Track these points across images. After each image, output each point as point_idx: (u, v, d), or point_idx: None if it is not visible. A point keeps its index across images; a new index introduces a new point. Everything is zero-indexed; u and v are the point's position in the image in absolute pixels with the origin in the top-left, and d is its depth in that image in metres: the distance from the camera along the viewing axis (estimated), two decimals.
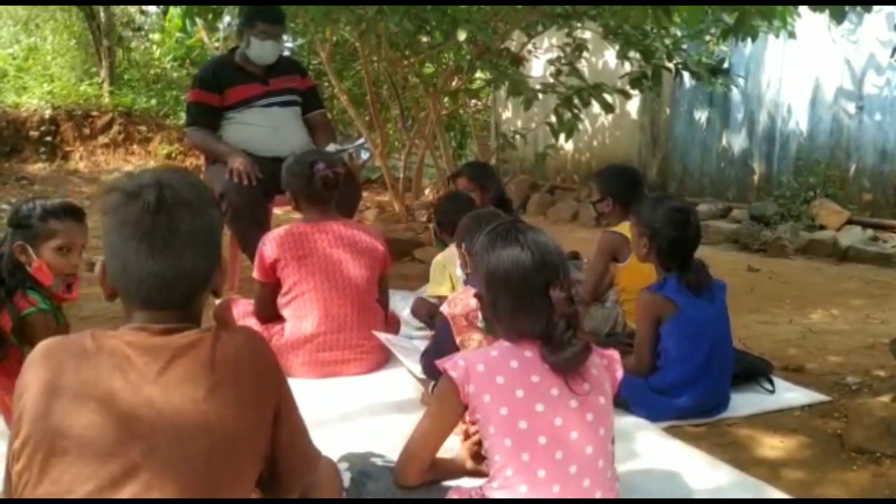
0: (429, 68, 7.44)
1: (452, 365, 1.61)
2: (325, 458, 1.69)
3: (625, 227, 3.21)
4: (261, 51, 4.12)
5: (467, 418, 1.69)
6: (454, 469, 1.79)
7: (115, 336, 1.28)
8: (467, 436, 1.79)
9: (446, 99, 6.72)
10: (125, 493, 1.17)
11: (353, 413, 2.64)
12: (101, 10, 9.22)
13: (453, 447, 1.81)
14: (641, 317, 2.73)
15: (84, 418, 1.19)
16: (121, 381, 1.22)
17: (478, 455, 1.74)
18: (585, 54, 6.16)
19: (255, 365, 1.32)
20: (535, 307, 1.62)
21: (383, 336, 2.96)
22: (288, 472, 1.38)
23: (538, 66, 7.59)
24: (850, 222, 6.29)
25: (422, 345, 2.93)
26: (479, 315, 2.20)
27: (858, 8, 4.01)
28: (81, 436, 1.18)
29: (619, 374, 1.73)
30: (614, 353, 1.76)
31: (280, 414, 1.35)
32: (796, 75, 6.70)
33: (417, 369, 2.69)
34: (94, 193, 7.56)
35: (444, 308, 2.53)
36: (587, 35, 6.04)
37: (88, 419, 1.19)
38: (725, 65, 5.96)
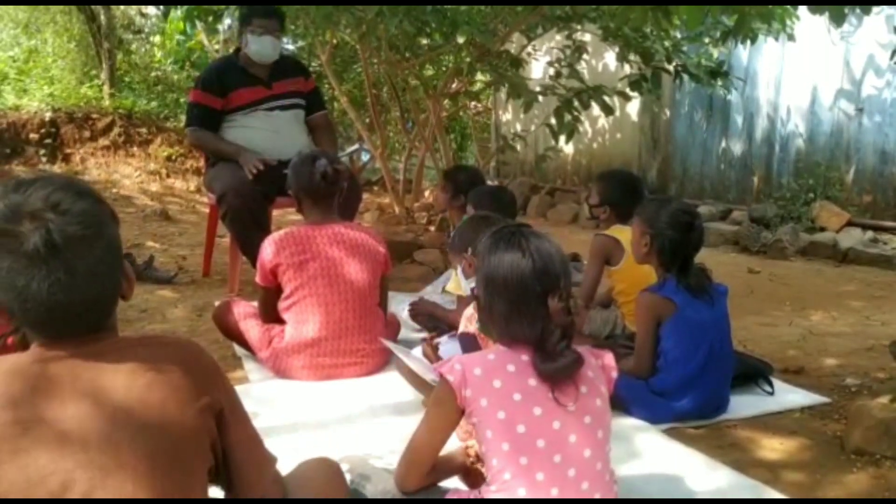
0: (429, 70, 7.44)
1: (449, 369, 1.61)
2: (322, 459, 1.69)
3: (616, 231, 3.24)
4: (259, 47, 4.12)
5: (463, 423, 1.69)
6: (450, 466, 1.79)
7: (29, 356, 1.22)
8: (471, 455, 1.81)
9: (446, 101, 6.73)
10: None
11: (353, 415, 2.64)
12: (101, 13, 9.22)
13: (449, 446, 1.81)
14: (641, 318, 2.73)
15: (11, 444, 1.14)
16: (44, 399, 1.17)
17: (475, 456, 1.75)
18: (585, 56, 6.17)
19: (189, 366, 1.27)
20: (531, 314, 1.61)
21: (392, 345, 2.91)
22: (240, 478, 1.35)
23: (538, 69, 7.60)
24: (850, 224, 6.30)
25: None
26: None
27: (858, 10, 4.01)
28: (12, 462, 1.14)
29: (615, 374, 1.73)
30: (609, 354, 1.75)
31: (225, 419, 1.30)
32: (796, 77, 6.70)
33: (430, 376, 2.65)
34: None
35: (462, 327, 2.54)
36: (587, 37, 6.04)
37: (16, 444, 1.14)
38: (725, 67, 5.95)
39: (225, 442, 1.31)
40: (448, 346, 2.61)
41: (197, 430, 1.25)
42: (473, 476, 1.82)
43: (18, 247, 1.15)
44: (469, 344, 2.48)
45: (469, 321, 2.53)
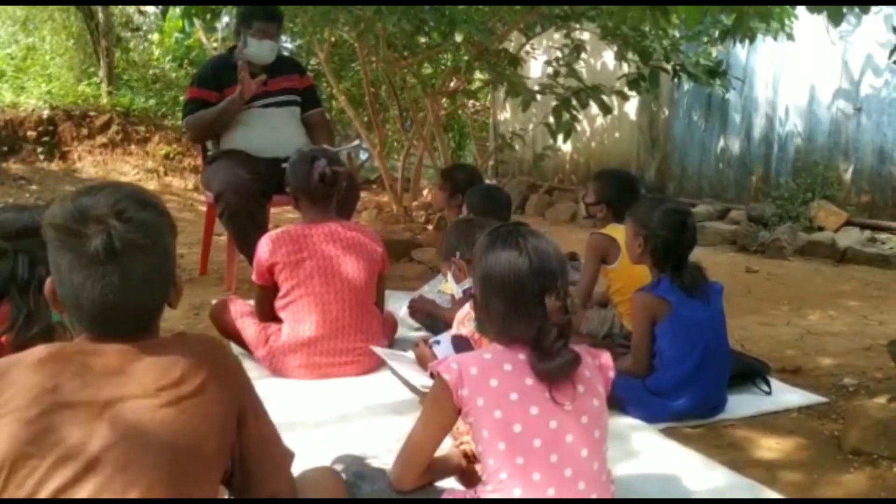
0: (427, 69, 7.43)
1: (445, 368, 1.60)
2: (326, 468, 1.69)
3: (612, 230, 3.23)
4: (257, 50, 4.11)
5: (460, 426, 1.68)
6: (447, 467, 1.79)
7: (72, 345, 1.30)
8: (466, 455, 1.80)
9: (445, 100, 6.72)
10: (87, 488, 1.18)
11: (350, 414, 2.63)
12: (99, 11, 9.18)
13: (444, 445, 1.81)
14: (636, 317, 2.73)
15: (44, 422, 1.19)
16: (80, 384, 1.23)
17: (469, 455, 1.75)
18: (583, 55, 6.16)
19: (216, 367, 1.32)
20: (528, 313, 1.61)
21: (381, 351, 2.91)
22: (257, 473, 1.38)
23: (536, 67, 7.59)
24: (848, 223, 6.29)
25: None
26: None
27: (856, 9, 4.00)
28: (44, 440, 1.19)
29: (612, 374, 1.73)
30: (606, 354, 1.75)
31: (245, 418, 1.35)
32: (794, 77, 6.70)
33: (419, 382, 2.64)
34: None
35: (455, 329, 2.54)
36: (585, 36, 6.04)
37: (49, 423, 1.20)
38: (723, 66, 5.95)
39: (243, 440, 1.35)
40: (443, 346, 2.60)
41: (219, 429, 1.29)
42: (470, 476, 1.82)
43: (81, 247, 1.23)
44: (461, 346, 2.47)
45: (461, 323, 2.52)
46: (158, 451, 1.22)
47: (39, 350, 1.27)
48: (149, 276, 1.28)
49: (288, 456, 1.46)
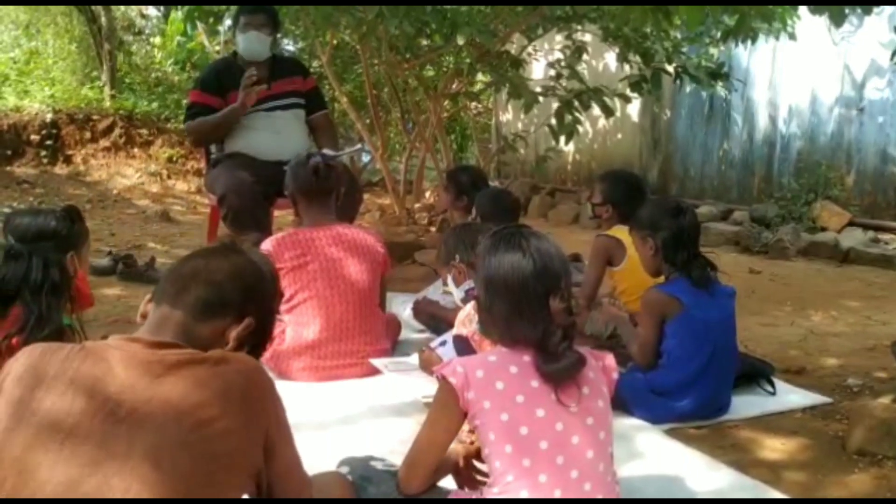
0: (429, 71, 7.45)
1: (451, 371, 1.60)
2: (334, 472, 1.70)
3: (617, 231, 3.23)
4: (246, 43, 4.11)
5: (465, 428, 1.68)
6: (447, 466, 1.78)
7: (105, 344, 1.31)
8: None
9: (447, 102, 6.73)
10: (101, 474, 1.18)
11: (354, 416, 2.63)
12: (101, 14, 9.22)
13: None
14: (646, 314, 2.72)
15: (58, 400, 1.22)
16: (104, 381, 1.24)
17: (474, 454, 1.75)
18: (585, 57, 6.17)
19: (246, 392, 1.32)
20: (532, 315, 1.61)
21: (380, 362, 2.91)
22: (277, 499, 1.39)
23: (538, 69, 7.60)
24: (851, 224, 6.29)
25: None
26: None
27: (858, 10, 4.01)
28: (54, 417, 1.21)
29: (616, 376, 1.73)
30: (610, 356, 1.75)
31: (274, 447, 1.35)
32: (797, 77, 6.70)
33: (419, 393, 2.64)
34: (95, 197, 7.57)
35: (456, 330, 2.54)
36: (587, 38, 6.05)
37: (62, 402, 1.22)
38: (725, 68, 5.95)
39: (269, 471, 1.35)
40: (448, 348, 2.61)
41: (240, 454, 1.29)
42: (465, 475, 1.82)
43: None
44: (461, 346, 2.48)
45: (462, 324, 2.52)
46: (175, 470, 1.21)
47: (71, 346, 1.30)
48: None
49: (307, 486, 1.47)
